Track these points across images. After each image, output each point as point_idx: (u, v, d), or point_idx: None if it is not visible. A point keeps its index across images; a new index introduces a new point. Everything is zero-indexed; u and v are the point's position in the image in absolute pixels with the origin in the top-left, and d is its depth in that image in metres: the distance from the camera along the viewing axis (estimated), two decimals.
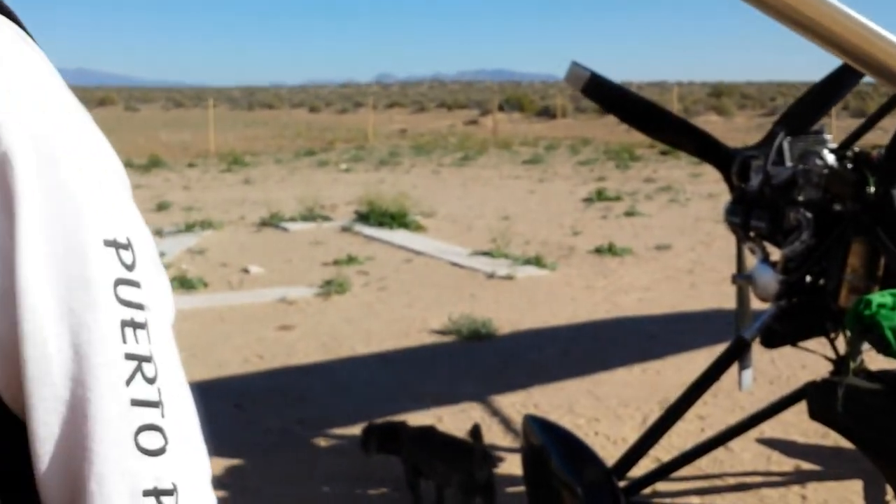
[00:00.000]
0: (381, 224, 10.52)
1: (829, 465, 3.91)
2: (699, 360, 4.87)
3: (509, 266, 8.09)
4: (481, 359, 5.49)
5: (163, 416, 0.65)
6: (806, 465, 3.93)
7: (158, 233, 10.01)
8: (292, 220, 11.15)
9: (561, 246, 9.26)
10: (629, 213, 11.49)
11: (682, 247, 9.09)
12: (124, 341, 0.64)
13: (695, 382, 3.19)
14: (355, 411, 4.52)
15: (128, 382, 0.64)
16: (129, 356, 0.64)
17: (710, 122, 27.40)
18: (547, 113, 39.58)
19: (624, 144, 22.81)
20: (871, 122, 3.34)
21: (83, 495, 0.63)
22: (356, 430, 4.03)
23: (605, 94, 3.44)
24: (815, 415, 3.11)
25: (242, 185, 15.95)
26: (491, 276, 7.80)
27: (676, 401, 3.19)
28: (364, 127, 30.96)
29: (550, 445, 3.21)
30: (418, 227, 10.56)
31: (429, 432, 3.51)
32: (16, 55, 0.65)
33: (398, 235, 10.01)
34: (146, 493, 0.63)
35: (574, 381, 5.03)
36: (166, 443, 0.65)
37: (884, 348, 2.63)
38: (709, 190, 13.00)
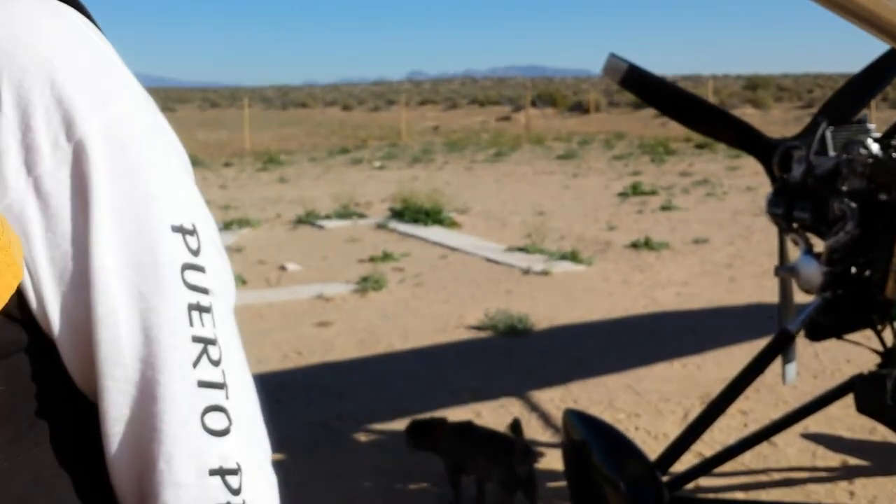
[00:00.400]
0: (415, 221, 10.54)
1: (878, 461, 3.84)
2: (740, 354, 4.81)
3: (545, 261, 8.06)
4: (519, 354, 5.47)
5: (227, 397, 0.67)
6: (853, 461, 3.87)
7: None
8: (328, 217, 11.21)
9: (597, 241, 9.21)
10: (665, 208, 11.40)
11: (721, 240, 9.00)
12: (191, 324, 0.65)
13: (738, 376, 3.15)
14: (394, 406, 4.53)
15: (195, 364, 0.65)
16: (196, 339, 0.66)
17: (746, 115, 27.05)
18: (580, 108, 39.41)
19: (659, 138, 22.64)
20: None
21: (152, 475, 0.65)
22: (396, 425, 4.04)
23: (643, 86, 3.42)
24: (862, 408, 3.07)
25: (278, 183, 16.07)
26: (527, 271, 7.78)
27: (719, 395, 3.16)
28: (397, 124, 31.05)
29: (592, 440, 3.19)
30: (453, 224, 10.56)
31: (468, 427, 3.51)
32: (87, 44, 0.66)
33: (433, 232, 10.02)
34: (212, 473, 0.65)
35: (613, 376, 5.00)
36: (230, 424, 0.67)
37: None
38: (747, 183, 12.87)
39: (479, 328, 6.04)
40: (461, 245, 9.14)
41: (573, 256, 8.21)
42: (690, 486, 3.28)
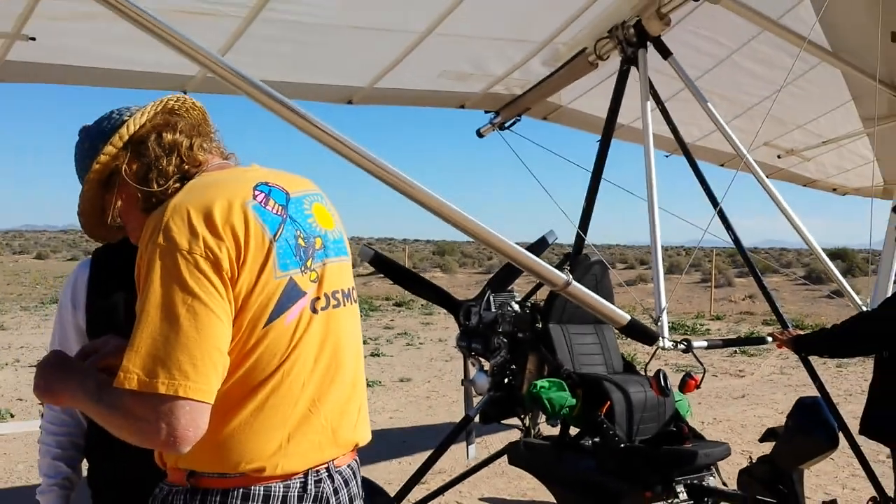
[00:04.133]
0: None
1: None
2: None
3: None
4: None
5: None
6: None
7: None
8: None
9: None
10: (375, 354, 13.50)
11: (420, 379, 11.20)
12: None
13: (438, 446, 5.10)
14: None
15: None
16: None
17: (436, 278, 30.65)
18: None
19: (363, 296, 25.13)
20: (537, 287, 5.56)
21: None
22: None
23: (383, 265, 5.43)
24: (511, 461, 5.14)
25: None
26: None
27: (426, 459, 5.07)
28: None
29: None
30: None
31: None
32: None
33: None
34: None
35: None
36: None
37: (545, 411, 4.71)
38: (439, 335, 15.39)
39: None
40: None
41: None
42: None
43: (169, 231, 1.66)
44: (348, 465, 1.95)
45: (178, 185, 1.83)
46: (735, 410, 9.22)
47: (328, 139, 2.70)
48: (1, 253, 55.67)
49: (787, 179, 8.43)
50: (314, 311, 1.83)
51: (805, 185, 8.78)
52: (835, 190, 8.96)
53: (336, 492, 1.86)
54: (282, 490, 1.75)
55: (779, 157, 7.67)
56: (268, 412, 1.75)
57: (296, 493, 1.77)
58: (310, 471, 1.81)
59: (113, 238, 2.04)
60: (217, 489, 1.73)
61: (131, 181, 1.84)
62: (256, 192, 1.79)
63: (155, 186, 1.82)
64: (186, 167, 1.87)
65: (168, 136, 1.86)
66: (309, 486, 1.79)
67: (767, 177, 8.10)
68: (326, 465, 1.85)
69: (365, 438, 2.03)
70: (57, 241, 73.75)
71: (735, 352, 14.15)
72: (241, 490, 1.72)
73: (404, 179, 2.89)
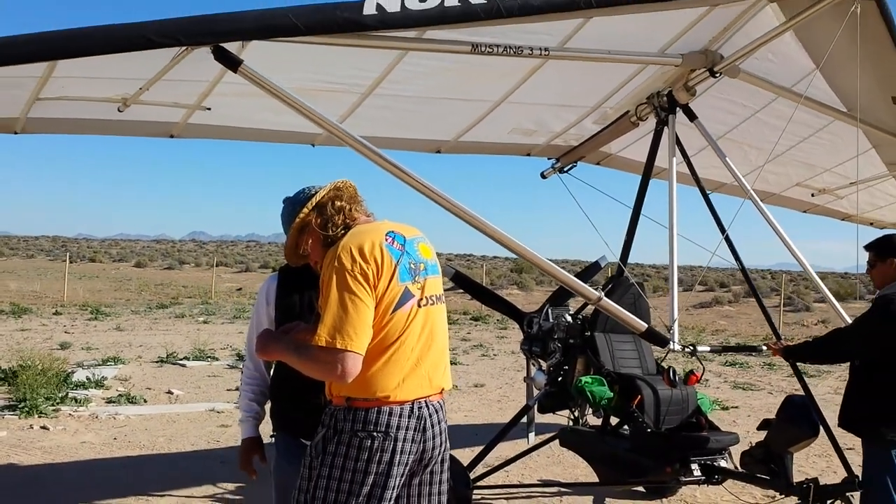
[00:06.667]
0: None
1: (575, 489, 7.11)
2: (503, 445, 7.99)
3: None
4: None
5: None
6: (564, 491, 7.12)
7: (80, 365, 12.31)
8: (186, 358, 13.65)
9: None
10: (452, 363, 14.60)
11: (493, 386, 12.43)
12: None
13: (503, 428, 6.32)
14: None
15: None
16: None
17: (512, 295, 31.83)
18: None
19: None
20: (583, 307, 6.74)
21: None
22: None
23: (462, 281, 6.71)
24: (562, 443, 6.33)
25: (116, 331, 18.07)
26: None
27: (493, 437, 6.30)
28: (196, 283, 33.21)
29: None
30: None
31: None
32: None
33: None
34: None
35: None
36: None
37: (588, 401, 5.90)
38: (511, 348, 16.55)
39: None
40: None
41: None
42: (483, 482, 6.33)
43: (340, 259, 2.95)
44: (437, 401, 3.20)
45: (343, 231, 3.13)
46: None
47: (415, 183, 4.00)
48: (102, 260, 58.96)
49: (824, 214, 9.40)
50: (419, 306, 3.08)
51: (843, 220, 9.73)
52: (872, 224, 9.87)
53: (430, 416, 3.12)
54: (398, 410, 3.02)
55: (812, 195, 8.69)
56: (391, 364, 3.01)
57: (406, 412, 3.03)
58: (415, 401, 3.06)
59: (300, 262, 3.35)
60: (363, 407, 3.00)
61: (317, 229, 3.16)
62: (387, 237, 3.07)
63: (330, 232, 3.13)
64: (348, 221, 3.17)
65: (338, 203, 3.16)
66: (414, 410, 3.05)
67: (805, 212, 9.17)
68: (425, 399, 3.11)
69: (448, 385, 3.27)
70: (151, 251, 77.18)
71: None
72: (376, 408, 3.00)
73: (470, 213, 4.17)
